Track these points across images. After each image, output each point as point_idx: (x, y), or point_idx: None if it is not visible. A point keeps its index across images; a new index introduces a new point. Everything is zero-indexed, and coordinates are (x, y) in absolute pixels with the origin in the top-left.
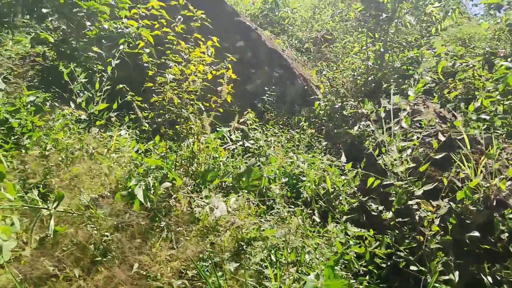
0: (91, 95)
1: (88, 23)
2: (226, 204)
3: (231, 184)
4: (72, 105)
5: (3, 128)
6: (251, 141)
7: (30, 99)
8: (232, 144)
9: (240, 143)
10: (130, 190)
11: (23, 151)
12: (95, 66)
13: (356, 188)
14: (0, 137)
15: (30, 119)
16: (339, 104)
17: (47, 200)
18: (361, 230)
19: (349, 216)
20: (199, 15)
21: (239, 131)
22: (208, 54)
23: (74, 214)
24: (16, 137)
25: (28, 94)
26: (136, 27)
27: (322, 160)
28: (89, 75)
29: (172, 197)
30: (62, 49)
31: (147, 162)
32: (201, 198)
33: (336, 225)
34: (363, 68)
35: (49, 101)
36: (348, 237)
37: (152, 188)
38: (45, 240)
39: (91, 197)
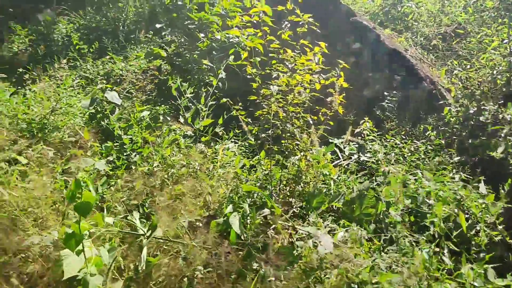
0: (198, 110)
1: (202, 35)
2: (333, 238)
3: (342, 210)
4: (182, 120)
5: (117, 143)
6: (368, 154)
7: (143, 114)
8: (345, 159)
9: (355, 157)
10: (226, 218)
11: (133, 167)
12: (206, 78)
13: (498, 217)
14: (114, 152)
15: (141, 135)
16: (475, 109)
17: (149, 220)
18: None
19: (489, 252)
20: (306, 19)
21: (354, 144)
22: (315, 62)
23: (170, 241)
24: (127, 153)
25: (140, 110)
26: (246, 36)
27: (454, 178)
28: (199, 87)
29: (271, 227)
30: (176, 62)
31: (243, 188)
32: (305, 225)
33: (472, 267)
34: (504, 65)
35: (162, 116)
36: (489, 284)
37: (249, 217)
38: (138, 271)
39: (189, 221)
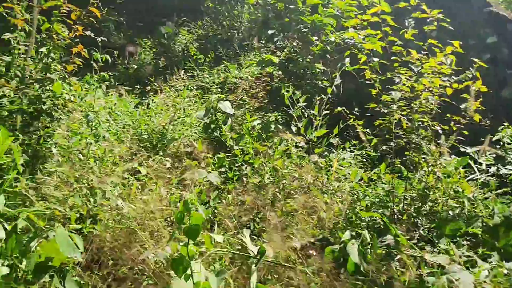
0: (311, 118)
1: (315, 38)
2: (472, 274)
3: (481, 238)
4: (294, 129)
5: (229, 155)
6: (509, 167)
7: (254, 123)
8: (481, 173)
9: (493, 170)
10: (343, 244)
11: (244, 179)
12: (320, 82)
13: None
14: (226, 163)
15: (252, 146)
16: None
17: (260, 237)
18: None
19: None
20: (435, 15)
21: (491, 154)
22: (447, 64)
23: (281, 265)
24: (239, 163)
25: (251, 120)
26: (363, 37)
27: None
28: (312, 93)
29: (395, 258)
30: (289, 68)
31: (362, 214)
32: (435, 251)
33: None
34: None
35: (273, 124)
36: None
37: (369, 246)
38: None
39: (301, 244)
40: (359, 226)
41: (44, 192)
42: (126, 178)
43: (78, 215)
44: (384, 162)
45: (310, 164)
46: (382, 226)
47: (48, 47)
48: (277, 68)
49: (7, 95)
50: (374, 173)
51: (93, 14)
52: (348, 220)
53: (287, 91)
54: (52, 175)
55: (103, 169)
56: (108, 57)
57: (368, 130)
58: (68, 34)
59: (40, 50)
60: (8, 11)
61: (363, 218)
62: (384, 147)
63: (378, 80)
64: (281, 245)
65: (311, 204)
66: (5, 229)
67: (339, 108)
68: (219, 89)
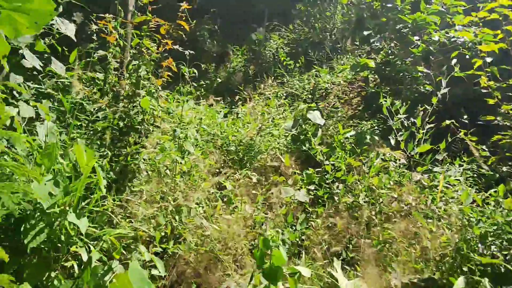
0: (413, 132)
1: (416, 38)
2: None
3: None
4: (392, 142)
5: (319, 170)
6: None
7: (347, 135)
8: None
9: None
10: None
11: (336, 199)
12: (422, 87)
13: None
14: (315, 180)
15: (345, 161)
16: None
17: (353, 268)
18: None
19: None
20: None
21: None
22: None
23: None
24: (329, 181)
25: (344, 133)
26: (476, 35)
27: None
28: (413, 100)
29: None
30: (385, 72)
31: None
32: None
33: None
34: None
35: (369, 136)
36: None
37: None
38: None
39: (402, 282)
40: (472, 261)
41: (130, 211)
42: (212, 192)
43: (162, 234)
44: (506, 184)
45: (412, 183)
46: (503, 270)
47: (138, 62)
48: (373, 72)
49: (103, 108)
50: (490, 195)
51: (182, 27)
52: (458, 252)
53: (384, 98)
54: (139, 192)
55: (190, 183)
56: (195, 70)
57: (481, 146)
58: (158, 48)
59: (133, 64)
60: (103, 28)
61: (476, 249)
62: (505, 168)
63: (496, 89)
64: (378, 281)
65: (413, 231)
66: (89, 251)
67: (448, 122)
68: (310, 96)
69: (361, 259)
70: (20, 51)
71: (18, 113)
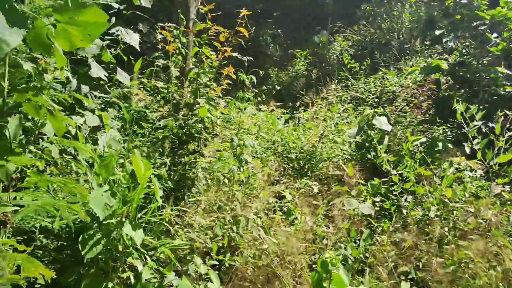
0: (491, 139)
1: (494, 35)
2: None
3: None
4: (467, 150)
5: (385, 180)
6: None
7: (417, 142)
8: None
9: None
10: None
11: (404, 212)
12: (501, 90)
13: None
14: (382, 191)
15: (414, 171)
16: None
17: None
18: None
19: None
20: None
21: None
22: None
23: None
24: (397, 192)
25: (413, 140)
26: None
27: None
28: (491, 103)
29: None
30: (460, 73)
31: None
32: None
33: None
34: None
35: (441, 143)
36: None
37: None
38: None
39: None
40: None
41: (187, 221)
42: (270, 202)
43: (219, 245)
44: None
45: (491, 196)
46: None
47: (198, 71)
48: (445, 73)
49: (164, 116)
50: None
51: (241, 34)
52: None
53: (458, 101)
54: (197, 201)
55: (248, 192)
56: (253, 77)
57: None
58: (217, 56)
59: (194, 72)
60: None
61: None
62: None
63: None
64: None
65: (493, 251)
66: (145, 262)
67: None
68: (376, 100)
69: (433, 281)
70: (88, 62)
71: (85, 122)
